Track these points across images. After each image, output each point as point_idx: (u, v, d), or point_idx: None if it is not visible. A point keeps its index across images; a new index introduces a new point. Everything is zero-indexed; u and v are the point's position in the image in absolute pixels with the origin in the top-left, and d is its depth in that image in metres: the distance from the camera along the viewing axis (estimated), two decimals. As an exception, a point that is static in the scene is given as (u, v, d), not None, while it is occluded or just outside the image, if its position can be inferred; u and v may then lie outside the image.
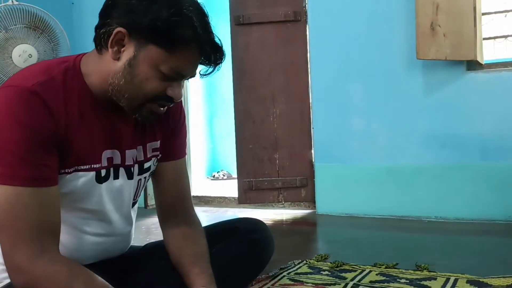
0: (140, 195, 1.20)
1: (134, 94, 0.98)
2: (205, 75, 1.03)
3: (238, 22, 3.30)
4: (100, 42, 0.98)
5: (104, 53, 0.99)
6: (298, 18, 3.25)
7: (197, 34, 0.94)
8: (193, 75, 1.02)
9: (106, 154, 1.05)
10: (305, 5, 3.21)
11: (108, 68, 0.98)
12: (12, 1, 2.93)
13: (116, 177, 1.08)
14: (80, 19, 3.75)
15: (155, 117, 1.05)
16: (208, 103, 5.34)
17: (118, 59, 0.97)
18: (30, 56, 2.95)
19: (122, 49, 0.96)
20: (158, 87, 0.98)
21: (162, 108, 1.03)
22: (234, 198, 3.54)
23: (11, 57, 2.92)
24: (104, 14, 0.98)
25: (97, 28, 0.99)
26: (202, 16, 0.97)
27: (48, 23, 3.01)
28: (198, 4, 0.98)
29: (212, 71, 1.02)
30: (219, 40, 0.99)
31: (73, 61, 1.02)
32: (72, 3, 3.82)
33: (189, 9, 0.94)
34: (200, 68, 1.02)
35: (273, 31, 3.28)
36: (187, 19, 0.94)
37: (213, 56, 0.98)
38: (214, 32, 0.98)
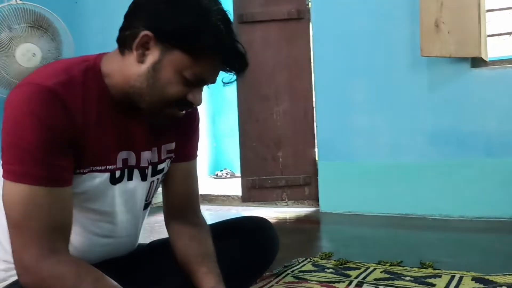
0: (153, 196, 1.19)
1: (155, 97, 0.98)
2: (228, 83, 1.03)
3: (241, 20, 3.30)
4: (124, 43, 0.98)
5: (127, 55, 0.98)
6: (302, 16, 3.24)
7: (223, 43, 0.94)
8: (214, 81, 1.02)
9: (122, 155, 1.05)
10: (309, 3, 3.21)
11: (131, 70, 0.98)
12: (16, 1, 2.93)
13: (130, 178, 1.08)
14: (83, 18, 3.74)
15: (173, 120, 1.05)
16: (211, 102, 5.34)
17: (142, 62, 0.96)
18: (33, 55, 2.95)
19: (147, 52, 0.96)
20: (179, 92, 0.98)
21: (181, 112, 1.04)
22: (237, 196, 3.54)
23: (14, 56, 2.93)
24: (130, 16, 0.98)
25: (121, 29, 0.99)
26: (228, 24, 0.96)
27: (51, 22, 3.02)
28: (225, 12, 0.98)
29: (236, 79, 1.02)
30: (243, 48, 0.99)
31: (93, 61, 1.01)
32: (76, 2, 3.82)
33: (216, 17, 0.94)
34: (222, 75, 1.02)
35: (277, 29, 3.28)
36: (214, 27, 0.93)
37: (236, 64, 0.99)
38: (238, 39, 0.98)
